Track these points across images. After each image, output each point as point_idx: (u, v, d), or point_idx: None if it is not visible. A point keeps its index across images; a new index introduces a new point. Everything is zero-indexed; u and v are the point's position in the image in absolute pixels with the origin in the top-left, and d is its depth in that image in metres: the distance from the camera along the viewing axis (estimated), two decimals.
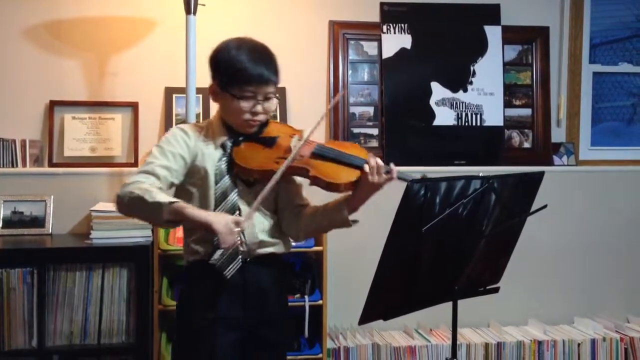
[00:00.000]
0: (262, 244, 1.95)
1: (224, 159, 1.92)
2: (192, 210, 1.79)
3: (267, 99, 1.92)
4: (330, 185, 1.86)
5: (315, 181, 1.87)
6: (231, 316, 1.92)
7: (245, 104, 1.89)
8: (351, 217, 1.90)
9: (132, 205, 1.81)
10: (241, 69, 1.87)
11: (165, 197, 1.79)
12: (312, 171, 1.86)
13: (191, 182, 1.93)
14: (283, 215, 2.02)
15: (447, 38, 3.54)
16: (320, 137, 3.40)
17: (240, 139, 1.95)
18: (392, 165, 1.84)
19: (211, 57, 1.96)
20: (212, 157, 1.93)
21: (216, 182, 1.90)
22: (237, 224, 1.77)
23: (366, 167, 1.82)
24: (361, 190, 1.86)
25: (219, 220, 1.75)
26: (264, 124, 1.99)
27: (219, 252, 1.82)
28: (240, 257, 1.89)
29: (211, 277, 1.88)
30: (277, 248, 2.00)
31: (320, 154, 1.91)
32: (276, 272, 2.03)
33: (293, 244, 2.16)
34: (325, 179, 1.85)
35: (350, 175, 1.86)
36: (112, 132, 3.23)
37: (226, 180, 1.91)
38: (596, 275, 3.66)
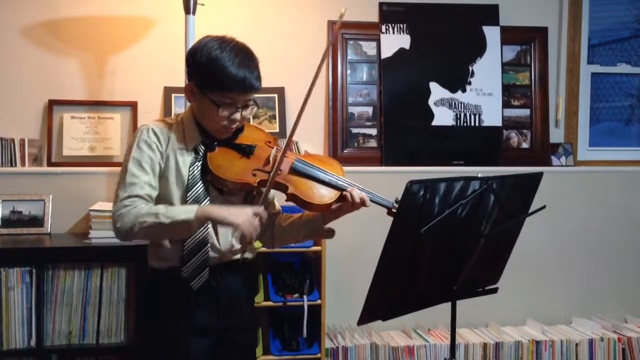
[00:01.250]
0: (236, 251, 1.93)
1: (198, 163, 1.84)
2: (217, 212, 1.76)
3: (246, 106, 1.84)
4: (307, 205, 1.87)
5: (293, 198, 1.86)
6: (204, 324, 1.90)
7: (223, 111, 1.80)
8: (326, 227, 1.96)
9: (147, 234, 1.79)
10: (224, 75, 1.76)
11: (183, 212, 1.75)
12: (291, 188, 1.85)
13: (165, 182, 1.87)
14: None
15: (446, 38, 3.54)
16: (318, 137, 3.41)
17: (215, 143, 1.88)
18: (365, 193, 1.88)
19: (190, 55, 1.85)
20: (184, 161, 1.85)
21: (188, 189, 1.83)
22: (258, 216, 1.76)
23: (348, 196, 1.85)
24: (337, 210, 1.90)
25: (244, 220, 1.73)
26: (239, 128, 1.91)
27: (237, 245, 1.85)
28: (207, 268, 1.87)
29: (181, 285, 1.85)
30: (247, 253, 1.97)
31: (299, 171, 1.89)
32: (246, 276, 2.02)
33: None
34: (304, 199, 1.85)
35: (328, 196, 1.87)
36: (111, 132, 3.23)
37: (199, 187, 1.84)
38: (594, 276, 3.67)
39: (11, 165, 3.09)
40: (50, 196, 3.08)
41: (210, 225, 1.86)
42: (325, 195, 1.87)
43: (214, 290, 1.90)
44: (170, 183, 1.85)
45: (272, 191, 1.98)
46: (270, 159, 1.88)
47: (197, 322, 1.88)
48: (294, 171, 1.88)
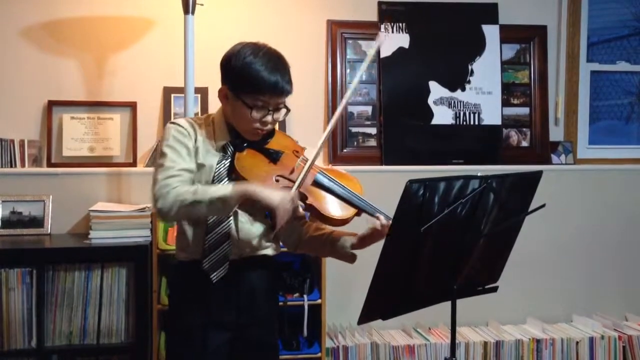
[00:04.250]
0: (255, 248, 1.96)
1: (225, 162, 1.90)
2: (254, 189, 1.78)
3: (277, 109, 1.90)
4: (323, 218, 1.90)
5: (310, 209, 1.90)
6: (223, 318, 1.93)
7: (256, 114, 1.86)
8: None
9: (186, 213, 1.81)
10: (257, 78, 1.83)
11: (221, 189, 1.79)
12: (310, 199, 1.88)
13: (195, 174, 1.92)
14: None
15: (445, 37, 3.54)
16: (318, 137, 3.39)
17: (245, 145, 1.93)
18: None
19: (224, 60, 1.92)
20: (210, 157, 1.91)
21: (213, 184, 1.88)
22: (292, 201, 1.80)
23: (377, 224, 1.88)
24: (367, 239, 1.94)
25: (280, 202, 1.76)
26: (270, 133, 1.97)
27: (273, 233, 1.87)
28: (227, 262, 1.90)
29: (202, 278, 1.89)
30: (269, 250, 2.01)
31: (321, 184, 1.93)
32: (267, 273, 2.03)
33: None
34: (320, 211, 1.88)
35: (345, 213, 1.90)
36: (110, 132, 3.23)
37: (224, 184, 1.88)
38: (594, 274, 3.67)
39: (11, 166, 3.10)
40: (50, 197, 3.08)
41: (232, 221, 1.89)
42: (341, 211, 1.90)
43: (235, 285, 1.93)
44: (200, 177, 1.90)
45: None
46: (295, 167, 1.93)
47: (215, 316, 1.92)
48: (315, 183, 1.92)
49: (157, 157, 1.95)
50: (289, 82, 1.89)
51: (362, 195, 1.95)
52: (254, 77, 1.83)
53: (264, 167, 1.91)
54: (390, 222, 1.85)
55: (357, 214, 1.93)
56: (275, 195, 1.77)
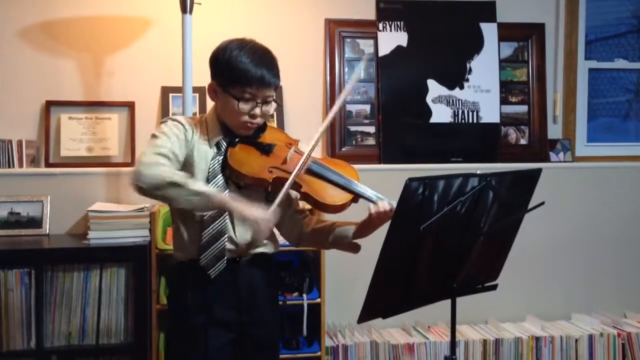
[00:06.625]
0: (252, 245, 1.96)
1: (218, 158, 1.91)
2: (234, 204, 1.79)
3: (266, 102, 1.91)
4: (319, 204, 1.90)
5: (305, 197, 1.91)
6: (224, 317, 1.93)
7: (244, 106, 1.87)
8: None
9: (161, 192, 1.75)
10: (242, 70, 1.85)
11: (208, 187, 1.80)
12: (304, 187, 1.89)
13: (190, 172, 1.91)
14: (284, 220, 2.05)
15: (443, 35, 3.54)
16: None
17: (237, 140, 1.94)
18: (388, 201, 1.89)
19: (212, 56, 1.94)
20: (206, 155, 1.92)
21: (208, 181, 1.89)
22: (271, 220, 1.80)
23: (372, 208, 1.87)
24: (368, 225, 1.92)
25: (263, 218, 1.76)
26: (262, 128, 1.98)
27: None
28: (225, 257, 1.90)
29: (201, 277, 1.89)
30: (268, 248, 2.02)
31: (314, 171, 1.94)
32: (267, 271, 2.04)
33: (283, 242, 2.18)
34: (316, 198, 1.89)
35: (340, 198, 1.91)
36: (108, 132, 3.22)
37: (219, 180, 1.90)
38: (593, 271, 3.67)
39: (9, 167, 3.09)
40: (49, 197, 3.08)
41: (227, 218, 1.90)
42: (337, 196, 1.91)
43: (235, 284, 1.93)
44: (195, 174, 1.90)
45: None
46: (287, 158, 1.94)
47: (216, 315, 1.92)
48: (309, 171, 1.93)
49: (150, 137, 1.90)
50: (276, 75, 1.91)
51: (358, 181, 1.95)
52: (240, 69, 1.85)
53: (256, 159, 1.92)
54: (390, 206, 1.86)
55: (354, 200, 1.92)
56: (256, 214, 1.78)
